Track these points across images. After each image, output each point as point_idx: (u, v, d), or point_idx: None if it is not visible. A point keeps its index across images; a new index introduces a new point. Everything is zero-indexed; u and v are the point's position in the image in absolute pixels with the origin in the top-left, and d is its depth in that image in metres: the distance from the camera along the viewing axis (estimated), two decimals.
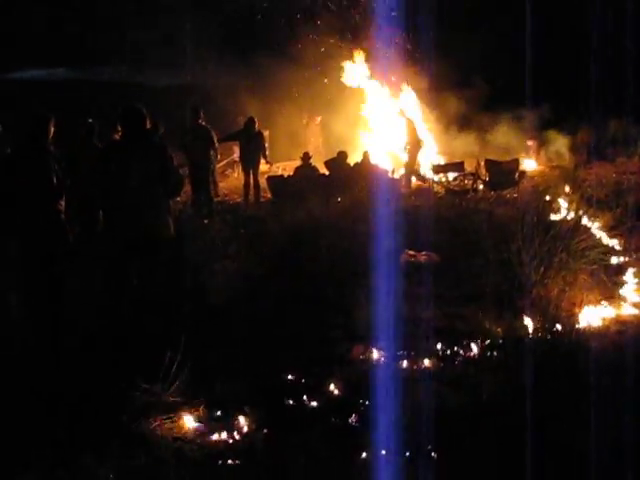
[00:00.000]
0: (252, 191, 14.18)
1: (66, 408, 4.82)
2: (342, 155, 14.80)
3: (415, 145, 16.05)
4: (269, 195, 14.59)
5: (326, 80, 19.62)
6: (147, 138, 6.13)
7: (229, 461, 4.37)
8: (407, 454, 4.30)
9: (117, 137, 8.11)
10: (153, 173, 5.88)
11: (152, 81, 20.01)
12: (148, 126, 6.14)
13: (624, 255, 8.46)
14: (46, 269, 6.15)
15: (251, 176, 14.07)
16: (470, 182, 15.34)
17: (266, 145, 14.94)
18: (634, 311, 7.05)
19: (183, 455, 4.45)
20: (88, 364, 5.39)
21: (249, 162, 14.03)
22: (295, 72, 18.47)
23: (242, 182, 14.38)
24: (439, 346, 6.05)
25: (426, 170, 16.67)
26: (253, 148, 13.97)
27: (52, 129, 6.30)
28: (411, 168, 16.09)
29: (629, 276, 7.82)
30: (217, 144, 12.67)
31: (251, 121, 14.06)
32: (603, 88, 15.35)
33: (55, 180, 6.15)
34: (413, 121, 16.69)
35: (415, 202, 13.31)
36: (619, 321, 6.78)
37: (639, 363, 5.30)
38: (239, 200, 14.58)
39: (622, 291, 7.51)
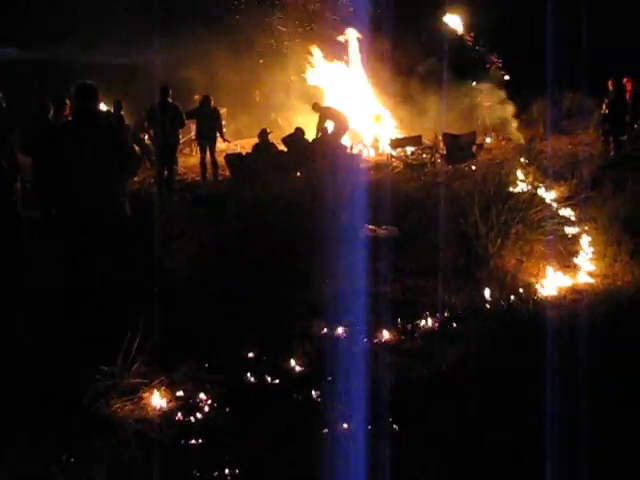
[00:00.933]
0: (210, 169, 14.06)
1: (23, 393, 4.74)
2: (299, 132, 14.71)
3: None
4: (227, 173, 14.46)
5: (261, 61, 19.39)
6: (101, 116, 6.02)
7: (192, 441, 4.36)
8: (369, 427, 4.33)
9: (68, 117, 7.92)
10: (108, 152, 5.77)
11: (101, 60, 19.52)
12: (101, 104, 6.03)
13: (579, 225, 8.60)
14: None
15: (208, 154, 13.96)
16: (428, 156, 15.38)
17: (223, 123, 14.83)
18: (589, 280, 7.19)
19: (145, 436, 4.42)
20: (46, 347, 5.31)
21: (205, 140, 13.93)
22: (239, 50, 18.31)
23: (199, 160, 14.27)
24: (399, 319, 6.10)
25: (384, 144, 16.64)
26: (210, 126, 13.86)
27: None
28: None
29: (584, 245, 7.96)
30: (185, 122, 12.89)
31: (206, 99, 13.97)
32: (558, 61, 15.46)
33: (5, 164, 6.00)
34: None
35: (374, 176, 13.32)
36: (575, 290, 6.91)
37: (594, 330, 5.42)
38: (197, 178, 14.44)
39: (577, 260, 7.64)
